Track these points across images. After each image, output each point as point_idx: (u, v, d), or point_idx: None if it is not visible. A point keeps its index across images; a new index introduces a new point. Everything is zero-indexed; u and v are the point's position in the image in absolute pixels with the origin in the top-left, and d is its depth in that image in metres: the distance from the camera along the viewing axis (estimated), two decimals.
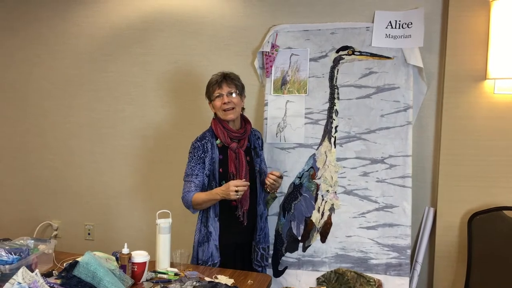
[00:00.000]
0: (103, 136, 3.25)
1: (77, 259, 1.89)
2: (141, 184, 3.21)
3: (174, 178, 2.98)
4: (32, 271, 1.78)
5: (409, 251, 2.56)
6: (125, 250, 1.95)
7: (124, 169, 3.23)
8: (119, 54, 3.16)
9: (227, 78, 2.28)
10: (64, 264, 2.01)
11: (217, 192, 2.17)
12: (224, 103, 2.25)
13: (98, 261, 1.85)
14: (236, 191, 2.11)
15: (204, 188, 2.26)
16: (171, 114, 3.11)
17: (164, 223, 2.11)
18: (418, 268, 2.65)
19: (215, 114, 2.33)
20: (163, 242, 2.11)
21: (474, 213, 2.50)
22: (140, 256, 1.96)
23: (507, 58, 2.38)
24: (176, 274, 2.05)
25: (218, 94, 2.26)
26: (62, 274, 1.86)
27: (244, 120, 2.38)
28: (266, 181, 2.28)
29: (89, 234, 3.33)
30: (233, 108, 2.26)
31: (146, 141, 3.17)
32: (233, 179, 2.24)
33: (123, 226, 3.26)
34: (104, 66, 3.20)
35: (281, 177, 2.29)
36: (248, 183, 2.19)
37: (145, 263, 1.97)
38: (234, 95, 2.26)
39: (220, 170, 2.27)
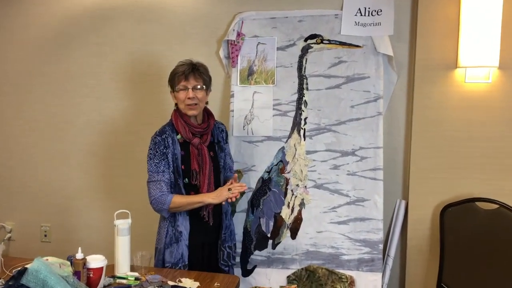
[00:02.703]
0: (58, 132, 3.07)
1: (26, 266, 1.73)
2: (100, 182, 3.06)
3: (135, 175, 2.88)
4: None
5: (381, 246, 2.51)
6: (79, 255, 1.79)
7: (81, 166, 3.07)
8: (74, 44, 2.98)
9: (195, 71, 2.12)
10: (13, 271, 1.84)
11: (209, 196, 2.08)
12: (189, 98, 2.10)
13: (48, 268, 1.69)
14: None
15: (172, 185, 2.12)
16: (131, 107, 2.96)
17: (122, 224, 1.96)
18: (390, 262, 2.60)
19: (176, 105, 2.18)
20: (122, 245, 1.97)
21: (446, 205, 2.46)
22: (96, 261, 1.81)
23: (477, 46, 2.34)
24: (136, 279, 1.92)
25: (183, 87, 2.11)
26: (10, 283, 1.70)
27: (207, 113, 2.25)
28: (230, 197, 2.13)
29: (45, 235, 3.15)
30: (196, 104, 2.12)
31: (104, 137, 3.02)
32: (196, 177, 2.13)
33: (82, 226, 3.10)
34: (58, 57, 3.02)
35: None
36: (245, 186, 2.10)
37: (101, 268, 1.82)
38: (200, 89, 2.12)
39: (183, 167, 2.13)
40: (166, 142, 2.12)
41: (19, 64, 3.08)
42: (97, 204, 3.06)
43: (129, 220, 1.99)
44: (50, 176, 3.11)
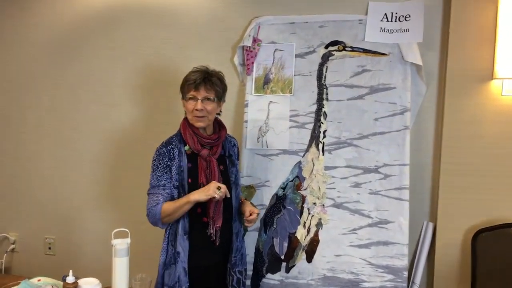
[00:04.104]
0: (65, 139, 2.96)
1: None
2: (108, 193, 2.93)
3: (144, 186, 2.68)
4: None
5: (405, 273, 2.31)
6: (69, 278, 1.65)
7: (89, 176, 2.94)
8: (84, 47, 2.88)
9: (207, 81, 1.97)
10: None
11: (193, 193, 1.90)
12: (197, 110, 1.95)
13: None
14: (219, 188, 1.88)
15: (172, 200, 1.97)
16: (142, 115, 2.83)
17: (120, 244, 1.81)
18: None
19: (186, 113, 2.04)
20: (120, 267, 1.81)
21: (478, 230, 2.28)
22: (88, 285, 1.67)
23: None
24: None
25: (192, 97, 1.96)
26: None
27: (218, 124, 2.09)
28: (247, 222, 2.08)
29: (49, 248, 3.02)
30: (204, 117, 1.97)
31: (113, 145, 2.89)
32: None
33: (88, 239, 2.96)
34: (67, 61, 2.91)
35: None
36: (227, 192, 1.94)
37: None
38: (210, 101, 1.97)
39: (189, 180, 1.97)
40: (171, 154, 1.98)
41: (25, 67, 2.99)
42: (105, 215, 2.93)
43: (128, 240, 1.84)
44: (56, 185, 3.00)
